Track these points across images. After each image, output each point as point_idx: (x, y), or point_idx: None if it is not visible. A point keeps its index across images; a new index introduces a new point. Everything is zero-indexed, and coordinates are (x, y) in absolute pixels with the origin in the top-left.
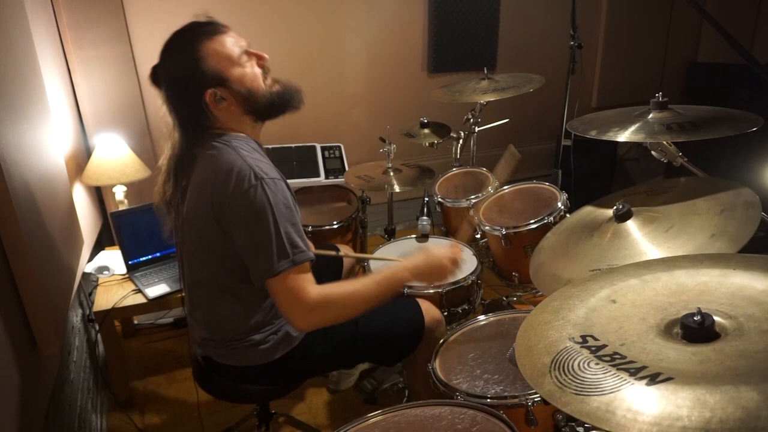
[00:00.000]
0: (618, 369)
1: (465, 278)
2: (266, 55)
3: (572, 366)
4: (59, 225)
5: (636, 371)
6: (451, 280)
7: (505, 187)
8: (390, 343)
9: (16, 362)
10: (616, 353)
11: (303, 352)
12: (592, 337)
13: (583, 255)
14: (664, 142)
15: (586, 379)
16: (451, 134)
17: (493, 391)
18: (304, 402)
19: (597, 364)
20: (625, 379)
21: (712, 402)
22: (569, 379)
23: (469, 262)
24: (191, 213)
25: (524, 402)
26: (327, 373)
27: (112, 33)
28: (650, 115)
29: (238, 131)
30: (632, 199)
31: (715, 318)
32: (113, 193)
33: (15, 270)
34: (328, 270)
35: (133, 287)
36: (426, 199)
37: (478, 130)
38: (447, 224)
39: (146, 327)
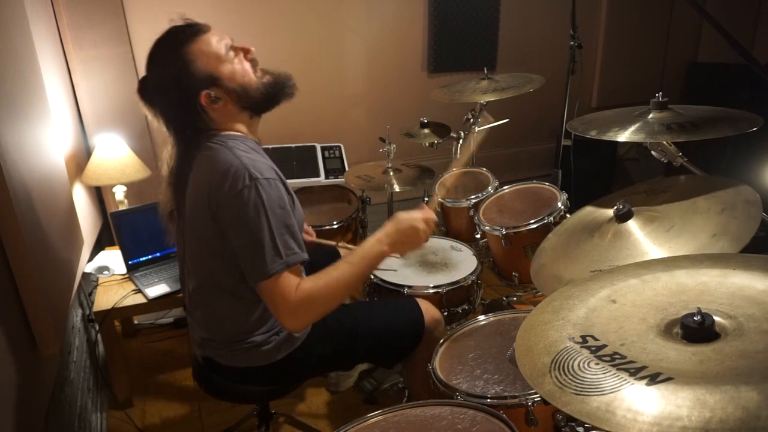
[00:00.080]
0: (618, 369)
1: (465, 278)
2: (252, 48)
3: (572, 366)
4: (59, 225)
5: (636, 371)
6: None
7: (505, 187)
8: (390, 343)
9: (16, 362)
10: (616, 353)
11: (304, 352)
12: (592, 337)
13: (584, 256)
14: (664, 142)
15: (586, 379)
16: (451, 134)
17: (493, 391)
18: (304, 402)
19: (597, 364)
20: (625, 379)
21: (712, 402)
22: (569, 379)
23: (469, 262)
24: (190, 215)
25: (524, 402)
26: (326, 374)
27: (112, 33)
28: (650, 115)
29: (235, 130)
30: (632, 199)
31: (715, 318)
32: (113, 193)
33: (15, 270)
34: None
35: (133, 287)
36: (426, 199)
37: (478, 131)
38: (447, 224)
39: (146, 327)
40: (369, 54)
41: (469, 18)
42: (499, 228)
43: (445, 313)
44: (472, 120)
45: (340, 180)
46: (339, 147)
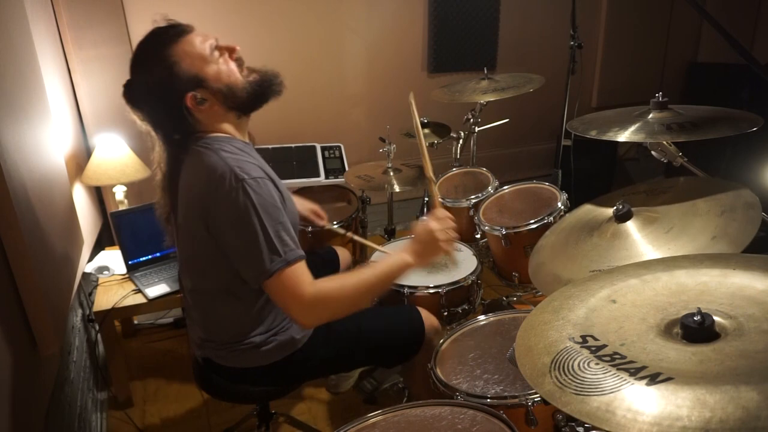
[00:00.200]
0: (618, 369)
1: (465, 278)
2: (237, 47)
3: (572, 366)
4: (59, 225)
5: (636, 371)
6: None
7: (505, 187)
8: (391, 347)
9: (16, 362)
10: (616, 353)
11: (306, 354)
12: (592, 337)
13: (583, 255)
14: (664, 142)
15: (586, 379)
16: (451, 134)
17: (493, 391)
18: (304, 402)
19: (597, 364)
20: (625, 379)
21: (712, 402)
22: (569, 379)
23: (469, 262)
24: (182, 219)
25: (524, 402)
26: (326, 376)
27: (112, 33)
28: (650, 115)
29: (222, 131)
30: (631, 199)
31: (715, 318)
32: (113, 193)
33: (15, 270)
34: (325, 268)
35: (133, 287)
36: (426, 199)
37: (478, 130)
38: None
39: (146, 327)
40: (369, 54)
41: (469, 18)
42: (499, 228)
43: (445, 313)
44: (471, 120)
45: (340, 180)
46: (339, 147)
